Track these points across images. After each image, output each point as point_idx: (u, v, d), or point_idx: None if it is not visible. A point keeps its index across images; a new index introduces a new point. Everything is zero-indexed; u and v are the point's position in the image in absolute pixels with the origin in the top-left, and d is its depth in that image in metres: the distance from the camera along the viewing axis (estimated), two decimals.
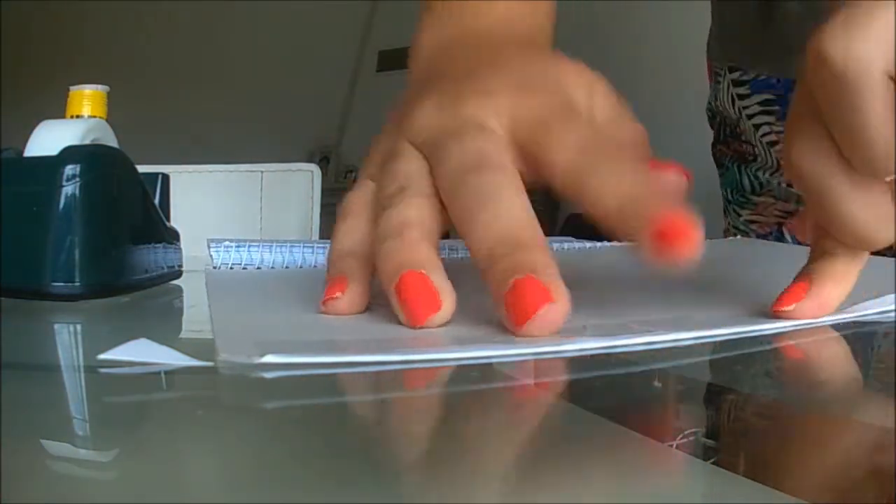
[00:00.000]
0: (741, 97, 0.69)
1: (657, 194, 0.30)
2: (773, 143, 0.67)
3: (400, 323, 0.31)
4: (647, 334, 0.30)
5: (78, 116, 0.45)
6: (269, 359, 0.25)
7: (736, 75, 0.69)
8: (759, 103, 0.67)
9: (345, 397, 0.25)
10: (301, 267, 0.54)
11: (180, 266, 0.47)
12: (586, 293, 0.40)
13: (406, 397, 0.25)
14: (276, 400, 0.24)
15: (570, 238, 0.62)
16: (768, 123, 0.67)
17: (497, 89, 0.37)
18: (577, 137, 0.34)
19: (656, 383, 0.27)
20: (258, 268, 0.53)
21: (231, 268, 0.52)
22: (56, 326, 0.37)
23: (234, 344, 0.27)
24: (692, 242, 0.28)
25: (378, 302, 0.42)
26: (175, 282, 0.47)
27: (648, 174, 0.33)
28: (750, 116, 0.68)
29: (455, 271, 0.53)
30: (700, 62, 0.78)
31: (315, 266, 0.54)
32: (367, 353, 0.27)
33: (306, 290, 0.47)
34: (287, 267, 0.53)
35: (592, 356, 0.28)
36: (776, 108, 0.67)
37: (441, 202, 0.35)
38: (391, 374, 0.26)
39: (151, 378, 0.26)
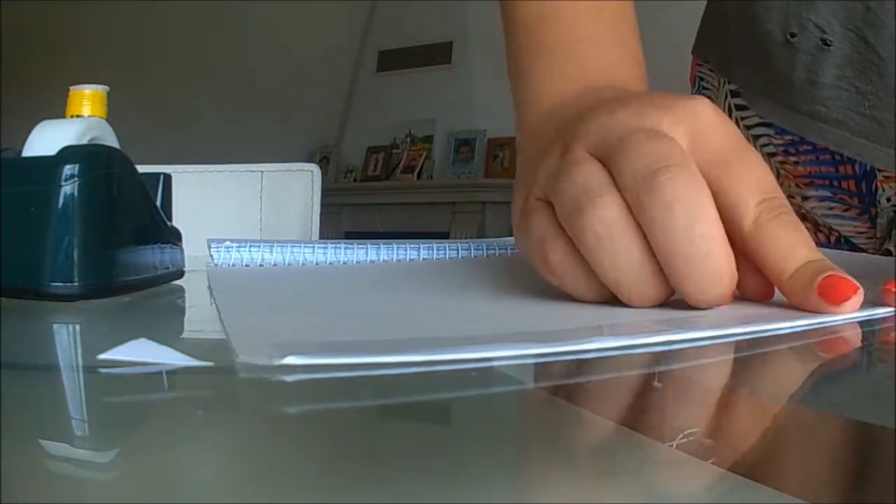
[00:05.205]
0: (740, 108, 0.69)
1: (824, 260, 0.35)
2: (772, 155, 0.67)
3: (411, 323, 0.31)
4: (663, 333, 0.30)
5: (78, 116, 0.45)
6: (291, 360, 0.25)
7: (736, 86, 0.69)
8: (759, 115, 0.68)
9: (347, 399, 0.25)
10: (303, 265, 0.54)
11: (182, 266, 0.47)
12: None
13: (404, 399, 0.25)
14: (293, 403, 0.24)
15: None
16: (767, 135, 0.67)
17: (668, 106, 0.38)
18: (756, 183, 0.36)
19: (656, 383, 0.27)
20: (260, 265, 0.53)
21: (232, 266, 0.52)
22: (56, 326, 0.37)
23: (251, 345, 0.27)
24: (853, 295, 0.34)
25: (388, 300, 0.43)
26: (177, 282, 0.46)
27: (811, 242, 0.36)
28: (749, 127, 0.68)
29: (466, 272, 0.53)
30: (679, 67, 0.78)
31: (316, 265, 0.54)
32: (389, 353, 0.26)
33: (312, 289, 0.47)
34: (289, 265, 0.53)
35: (593, 357, 0.28)
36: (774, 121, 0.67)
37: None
38: (390, 376, 0.26)
39: (151, 378, 0.26)
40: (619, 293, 0.36)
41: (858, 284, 0.34)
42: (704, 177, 0.35)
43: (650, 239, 0.35)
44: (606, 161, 0.37)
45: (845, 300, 0.34)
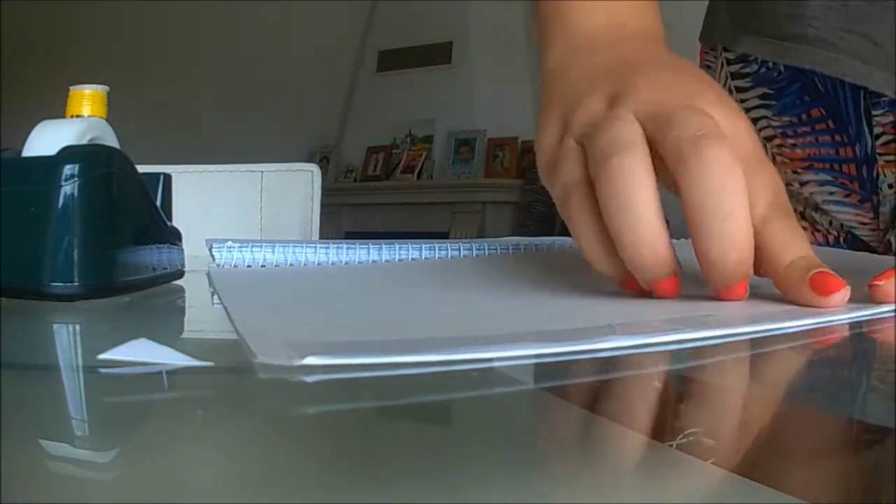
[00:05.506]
0: (740, 90, 0.69)
1: (816, 260, 0.37)
2: (769, 138, 0.67)
3: (422, 322, 0.31)
4: (674, 332, 0.30)
5: (78, 116, 0.45)
6: (311, 360, 0.24)
7: (736, 67, 0.69)
8: (759, 97, 0.67)
9: (349, 400, 0.25)
10: (305, 265, 0.54)
11: (182, 266, 0.47)
12: (601, 292, 0.40)
13: (407, 401, 0.25)
14: (294, 404, 0.24)
15: (569, 238, 0.62)
16: (766, 118, 0.67)
17: (711, 100, 0.41)
18: (768, 188, 0.39)
19: (656, 383, 0.27)
20: (262, 266, 0.53)
21: (235, 266, 0.52)
22: (56, 326, 0.37)
23: (269, 346, 0.27)
24: (840, 290, 0.36)
25: (393, 300, 0.42)
26: (177, 282, 0.46)
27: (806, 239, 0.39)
28: (748, 110, 0.68)
29: (471, 271, 0.53)
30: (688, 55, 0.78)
31: (318, 265, 0.54)
32: (407, 353, 0.26)
33: (318, 289, 0.47)
34: (290, 265, 0.53)
35: (594, 357, 0.28)
36: (773, 102, 0.67)
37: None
38: (392, 377, 0.26)
39: (151, 378, 0.26)
40: (622, 246, 0.37)
41: (844, 281, 0.36)
42: None
43: (683, 192, 0.37)
44: (652, 130, 0.39)
45: (833, 292, 0.36)
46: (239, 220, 0.93)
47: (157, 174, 0.45)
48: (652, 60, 0.46)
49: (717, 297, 0.38)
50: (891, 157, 0.63)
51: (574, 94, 0.44)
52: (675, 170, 0.38)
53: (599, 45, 0.48)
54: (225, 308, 0.36)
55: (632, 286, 0.39)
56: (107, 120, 0.44)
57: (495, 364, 0.27)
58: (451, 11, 4.47)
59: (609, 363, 0.28)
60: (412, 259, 0.56)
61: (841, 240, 0.67)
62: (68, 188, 0.37)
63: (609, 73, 0.44)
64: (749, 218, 0.37)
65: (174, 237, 0.46)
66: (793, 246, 0.37)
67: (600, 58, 0.46)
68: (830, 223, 0.67)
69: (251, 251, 0.53)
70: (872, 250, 0.64)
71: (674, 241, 0.38)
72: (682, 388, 0.26)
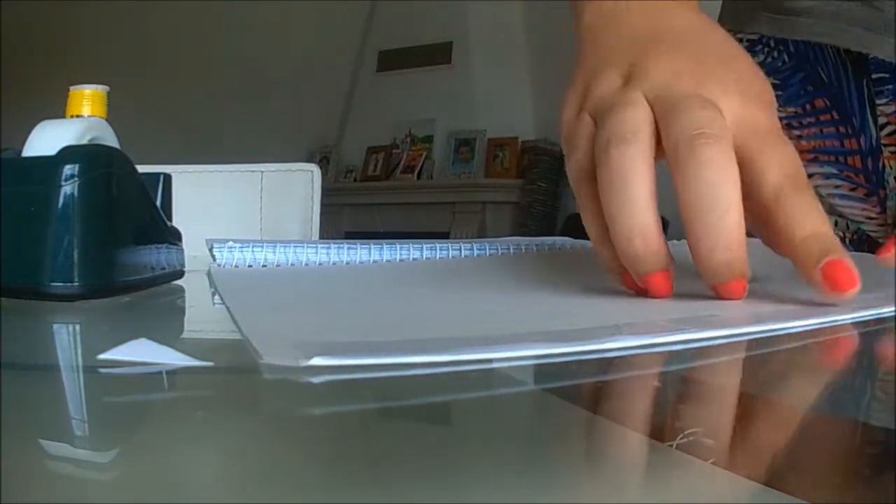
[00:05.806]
0: None
1: (833, 237, 0.37)
2: None
3: (425, 322, 0.31)
4: (680, 332, 0.30)
5: (78, 116, 0.45)
6: (318, 361, 0.24)
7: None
8: (754, 32, 0.67)
9: (352, 401, 0.25)
10: (306, 265, 0.54)
11: (182, 266, 0.47)
12: (603, 292, 0.40)
13: (405, 401, 0.25)
14: (295, 404, 0.24)
15: (569, 238, 0.62)
16: None
17: (726, 84, 0.41)
18: (784, 163, 0.39)
19: (656, 383, 0.27)
20: (263, 266, 0.53)
21: (236, 266, 0.52)
22: (56, 326, 0.37)
23: (274, 347, 0.27)
24: (850, 290, 0.35)
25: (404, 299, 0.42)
26: (177, 282, 0.46)
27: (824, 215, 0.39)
28: None
29: (472, 271, 0.53)
30: None
31: (319, 265, 0.54)
32: (414, 353, 0.26)
33: (322, 289, 0.47)
34: (292, 265, 0.53)
35: (591, 358, 0.28)
36: (779, 92, 0.67)
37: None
38: (395, 378, 0.26)
39: (151, 378, 0.26)
40: (615, 236, 0.38)
41: (857, 277, 0.35)
42: (741, 147, 0.39)
43: (678, 191, 0.37)
44: (658, 114, 0.40)
45: (845, 291, 0.35)
46: (239, 220, 0.93)
47: (157, 174, 0.45)
48: (677, 33, 0.45)
49: (716, 295, 0.38)
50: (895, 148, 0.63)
51: (597, 64, 0.45)
52: (672, 170, 0.38)
53: (631, 7, 0.48)
54: (227, 308, 0.36)
55: (630, 284, 0.39)
56: (107, 120, 0.44)
57: (499, 364, 0.27)
58: (451, 11, 4.47)
59: (610, 363, 0.28)
60: (413, 259, 0.56)
61: (847, 241, 0.66)
62: (68, 188, 0.37)
63: (632, 43, 0.45)
64: (742, 218, 0.37)
65: (174, 237, 0.46)
66: (807, 220, 0.37)
67: (629, 23, 0.46)
68: (836, 223, 0.66)
69: (252, 251, 0.53)
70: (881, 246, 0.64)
71: (675, 241, 0.38)
72: (682, 388, 0.26)
